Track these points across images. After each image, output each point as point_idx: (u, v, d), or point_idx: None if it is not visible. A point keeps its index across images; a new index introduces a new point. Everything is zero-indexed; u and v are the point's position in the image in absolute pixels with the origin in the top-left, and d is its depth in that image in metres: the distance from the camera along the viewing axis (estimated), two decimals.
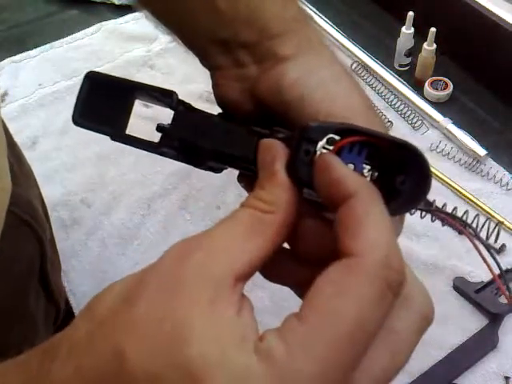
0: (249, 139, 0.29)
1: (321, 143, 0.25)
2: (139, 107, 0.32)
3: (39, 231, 0.51)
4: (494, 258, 0.25)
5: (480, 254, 0.25)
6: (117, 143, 0.32)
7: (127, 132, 0.31)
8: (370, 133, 0.25)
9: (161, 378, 0.20)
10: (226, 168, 0.34)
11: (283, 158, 0.26)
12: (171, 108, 0.30)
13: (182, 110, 0.30)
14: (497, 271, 0.31)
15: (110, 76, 0.31)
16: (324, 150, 0.25)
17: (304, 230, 0.26)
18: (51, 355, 0.22)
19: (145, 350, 0.21)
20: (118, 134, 0.30)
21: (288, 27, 0.32)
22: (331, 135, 0.26)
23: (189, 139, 0.30)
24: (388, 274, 0.22)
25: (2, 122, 0.49)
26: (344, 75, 0.32)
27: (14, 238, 0.47)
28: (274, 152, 0.26)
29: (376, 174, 0.26)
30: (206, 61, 0.34)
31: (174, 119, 0.30)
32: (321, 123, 0.26)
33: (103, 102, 0.30)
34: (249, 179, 0.35)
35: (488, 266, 0.24)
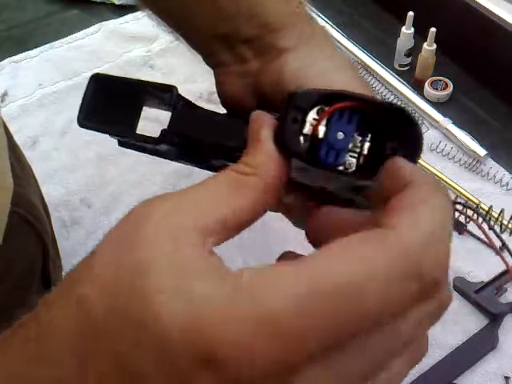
0: (247, 130, 0.29)
1: (311, 114, 0.25)
2: (146, 110, 0.31)
3: (41, 231, 0.51)
4: (508, 250, 0.25)
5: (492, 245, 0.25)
6: (117, 145, 0.32)
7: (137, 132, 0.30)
8: (359, 97, 0.25)
9: (122, 314, 0.19)
10: (227, 166, 0.34)
11: (270, 126, 0.25)
12: (171, 103, 0.30)
13: (182, 104, 0.30)
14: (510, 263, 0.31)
15: (115, 77, 0.31)
16: (314, 121, 0.25)
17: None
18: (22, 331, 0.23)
19: (105, 291, 0.20)
20: (127, 134, 0.30)
21: (289, 21, 0.32)
22: (321, 106, 0.25)
23: (188, 134, 0.30)
24: (422, 262, 0.19)
25: (3, 122, 0.49)
26: (345, 66, 0.32)
27: (17, 238, 0.47)
28: (261, 120, 0.25)
29: (368, 144, 0.25)
30: (208, 58, 0.34)
31: (173, 114, 0.30)
32: (308, 90, 0.25)
33: (109, 104, 0.30)
34: None
35: (502, 258, 0.24)
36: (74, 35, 1.00)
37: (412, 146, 0.24)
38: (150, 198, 0.23)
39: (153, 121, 0.30)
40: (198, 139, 0.30)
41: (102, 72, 0.31)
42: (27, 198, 0.51)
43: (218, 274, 0.20)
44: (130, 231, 0.21)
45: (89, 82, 0.30)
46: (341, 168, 0.25)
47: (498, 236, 0.27)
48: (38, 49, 0.99)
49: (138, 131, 0.30)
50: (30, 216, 0.50)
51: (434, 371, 0.60)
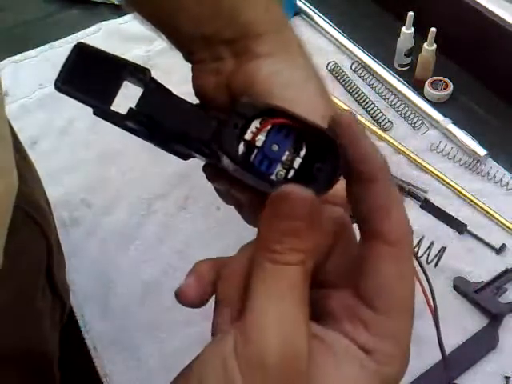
0: (208, 122, 0.30)
1: (254, 123, 0.27)
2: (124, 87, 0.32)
3: (46, 228, 0.52)
4: (428, 280, 0.26)
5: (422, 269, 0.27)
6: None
7: (111, 107, 0.31)
8: (296, 116, 0.26)
9: None
10: (191, 154, 0.35)
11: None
12: (143, 84, 0.31)
13: (154, 87, 0.31)
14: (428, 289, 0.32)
15: (99, 50, 0.31)
16: (254, 129, 0.27)
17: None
18: None
19: None
20: (102, 106, 0.30)
21: (268, 28, 0.33)
22: (265, 117, 0.27)
23: (152, 115, 0.31)
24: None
25: (7, 120, 0.49)
26: (315, 80, 0.34)
27: (22, 235, 0.47)
28: (309, 199, 0.25)
29: (299, 160, 0.27)
30: (188, 55, 0.36)
31: (142, 95, 0.31)
32: (253, 100, 0.27)
33: (90, 74, 0.31)
34: (213, 169, 0.36)
35: (421, 285, 0.26)
36: (74, 35, 1.01)
37: (332, 170, 0.26)
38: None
39: (128, 98, 0.31)
40: (162, 122, 0.31)
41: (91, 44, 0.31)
42: (32, 196, 0.51)
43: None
44: None
45: (72, 50, 0.31)
46: (272, 177, 0.27)
47: (422, 267, 0.28)
48: (38, 49, 0.99)
49: (113, 106, 0.30)
50: (35, 213, 0.50)
51: (434, 371, 0.60)
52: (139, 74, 0.30)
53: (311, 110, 0.31)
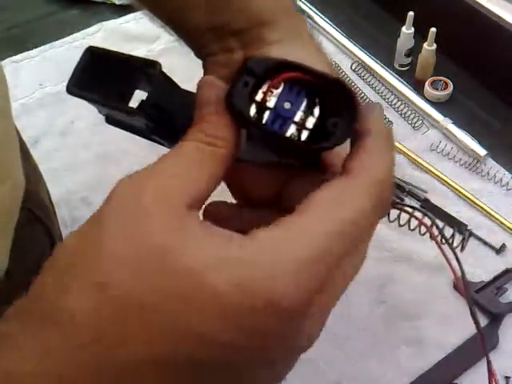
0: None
1: (265, 85, 0.26)
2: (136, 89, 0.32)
3: (50, 227, 0.52)
4: (459, 262, 0.26)
5: (445, 255, 0.26)
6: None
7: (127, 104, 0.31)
8: (305, 68, 0.26)
9: (167, 292, 0.20)
10: None
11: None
12: (153, 77, 0.30)
13: (164, 81, 0.31)
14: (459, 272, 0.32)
15: (109, 51, 0.31)
16: (265, 89, 0.26)
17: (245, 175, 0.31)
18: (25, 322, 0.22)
19: (126, 275, 0.21)
20: (113, 104, 0.30)
21: (278, 16, 0.33)
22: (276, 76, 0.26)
23: (163, 107, 0.30)
24: (381, 197, 0.25)
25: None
26: (326, 66, 0.33)
27: (27, 234, 0.47)
28: (218, 88, 0.26)
29: (313, 118, 0.26)
30: (199, 50, 0.36)
31: (153, 87, 0.31)
32: (262, 57, 0.26)
33: (101, 75, 0.31)
34: None
35: (452, 268, 0.25)
36: (74, 35, 1.01)
37: (346, 124, 0.25)
38: (130, 177, 0.25)
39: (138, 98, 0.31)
40: (173, 115, 0.31)
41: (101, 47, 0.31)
42: (36, 195, 0.51)
43: (235, 237, 0.22)
44: (131, 212, 0.23)
45: (83, 54, 0.31)
46: (285, 136, 0.26)
47: (452, 249, 0.27)
48: (38, 49, 0.99)
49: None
50: (39, 212, 0.50)
51: (434, 371, 0.60)
52: (149, 68, 0.30)
53: None
